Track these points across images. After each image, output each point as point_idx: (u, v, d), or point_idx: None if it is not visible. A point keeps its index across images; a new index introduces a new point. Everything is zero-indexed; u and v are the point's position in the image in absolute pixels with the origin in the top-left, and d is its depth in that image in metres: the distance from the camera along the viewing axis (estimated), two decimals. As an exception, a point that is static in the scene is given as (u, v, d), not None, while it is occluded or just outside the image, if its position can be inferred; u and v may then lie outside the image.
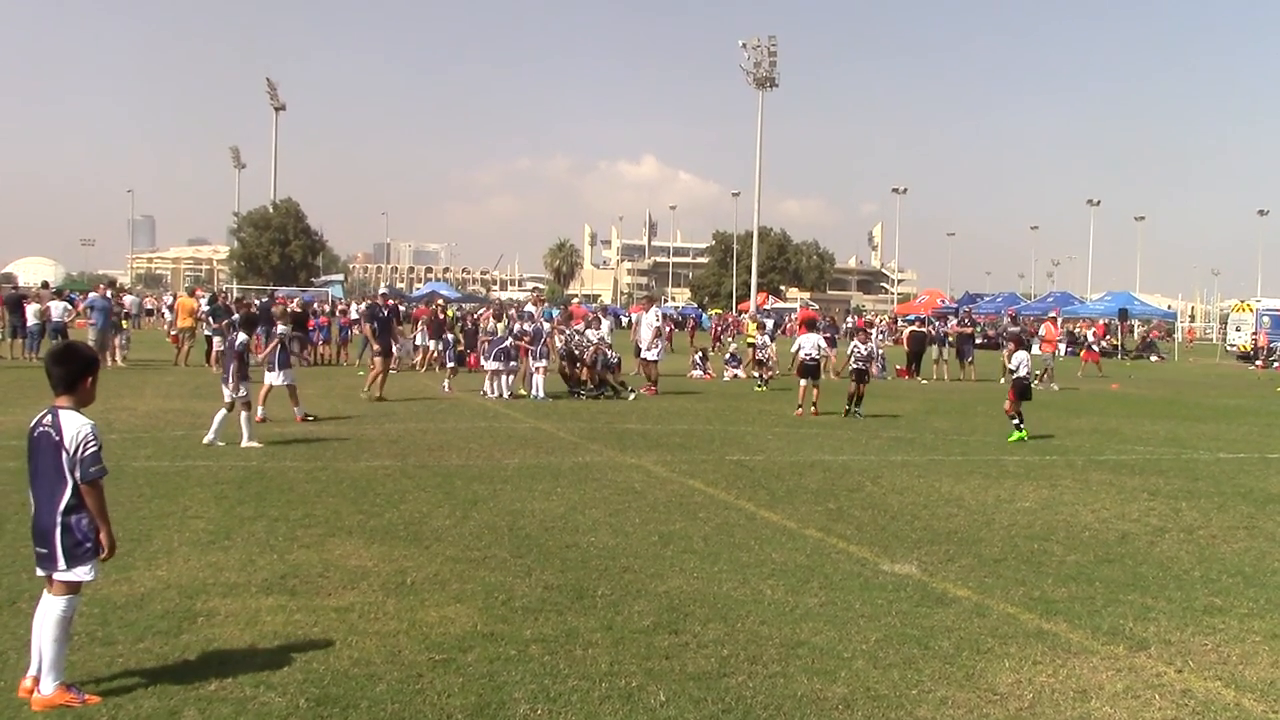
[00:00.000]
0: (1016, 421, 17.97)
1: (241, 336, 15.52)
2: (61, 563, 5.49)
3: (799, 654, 6.58)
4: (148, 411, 18.44)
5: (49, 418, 5.56)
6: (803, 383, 21.69)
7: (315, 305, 39.90)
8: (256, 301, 33.64)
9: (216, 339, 27.09)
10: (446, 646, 6.52)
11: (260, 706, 5.54)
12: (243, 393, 14.75)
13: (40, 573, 5.63)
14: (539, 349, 23.11)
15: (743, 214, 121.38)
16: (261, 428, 16.14)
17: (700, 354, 33.85)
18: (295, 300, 41.05)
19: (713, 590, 7.99)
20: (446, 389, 23.92)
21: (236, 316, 20.32)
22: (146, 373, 27.06)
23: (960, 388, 31.20)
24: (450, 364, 25.71)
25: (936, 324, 39.68)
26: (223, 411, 14.59)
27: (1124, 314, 57.48)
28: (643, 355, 24.90)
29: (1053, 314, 37.21)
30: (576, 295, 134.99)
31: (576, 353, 23.96)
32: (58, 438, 5.49)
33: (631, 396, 23.47)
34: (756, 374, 28.49)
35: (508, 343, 22.98)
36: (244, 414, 14.66)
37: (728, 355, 34.51)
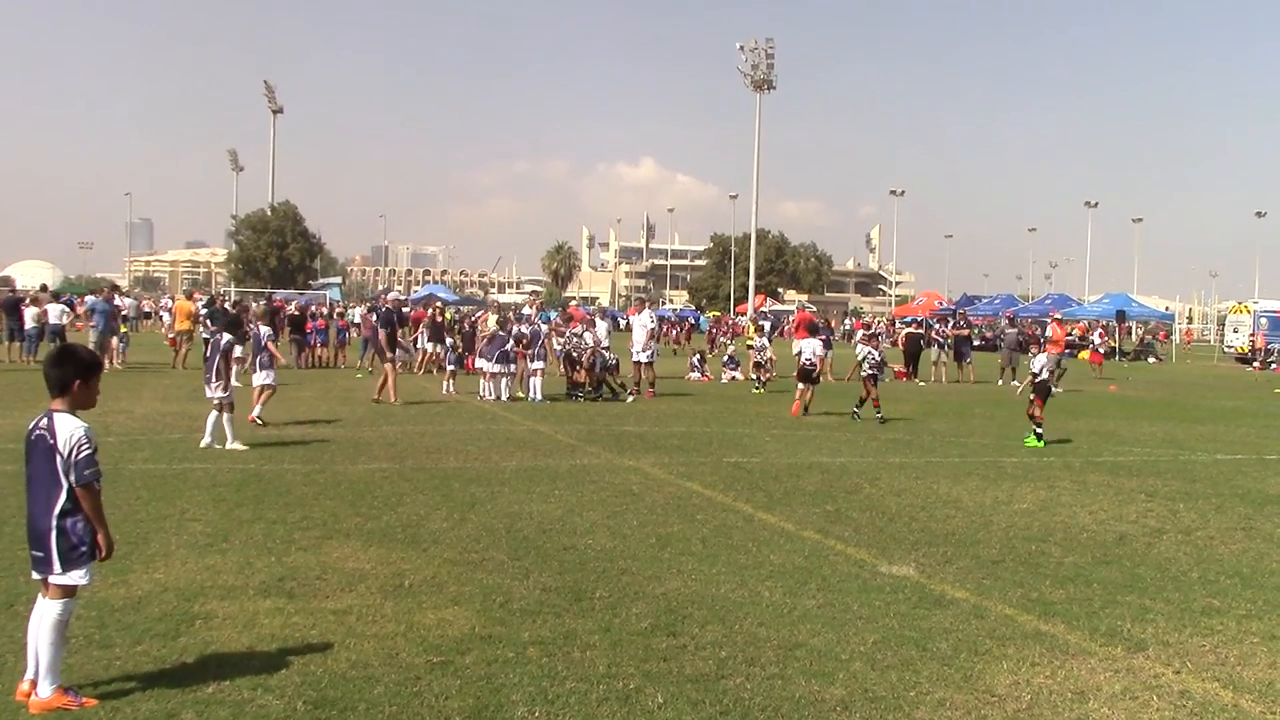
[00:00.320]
0: (1039, 431, 17.59)
1: (226, 337, 15.50)
2: (57, 566, 5.49)
3: (797, 656, 6.59)
4: (145, 414, 18.43)
5: (44, 421, 5.56)
6: (800, 386, 21.75)
7: (313, 308, 39.79)
8: (253, 305, 33.57)
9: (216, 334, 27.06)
10: (444, 649, 6.52)
11: (258, 709, 5.54)
12: (225, 393, 14.71)
13: (36, 576, 5.63)
14: (536, 351, 23.13)
15: (741, 216, 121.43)
16: (256, 432, 16.21)
17: (698, 356, 33.85)
18: (293, 303, 40.99)
19: (711, 592, 7.99)
20: (447, 391, 23.93)
21: (257, 329, 20.33)
22: (144, 375, 27.05)
23: (958, 389, 31.21)
24: (450, 366, 25.71)
25: (935, 326, 39.70)
26: (215, 414, 14.59)
27: (1122, 316, 57.53)
28: (635, 358, 24.88)
29: (1058, 315, 36.90)
30: (574, 298, 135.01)
31: (575, 355, 23.97)
32: (52, 441, 5.48)
33: (629, 399, 23.48)
34: (754, 376, 28.47)
35: (508, 345, 22.99)
36: (226, 415, 14.62)
37: (726, 357, 34.50)
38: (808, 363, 21.94)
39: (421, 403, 21.88)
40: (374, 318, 22.84)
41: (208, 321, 28.30)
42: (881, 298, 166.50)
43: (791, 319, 46.72)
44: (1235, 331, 64.81)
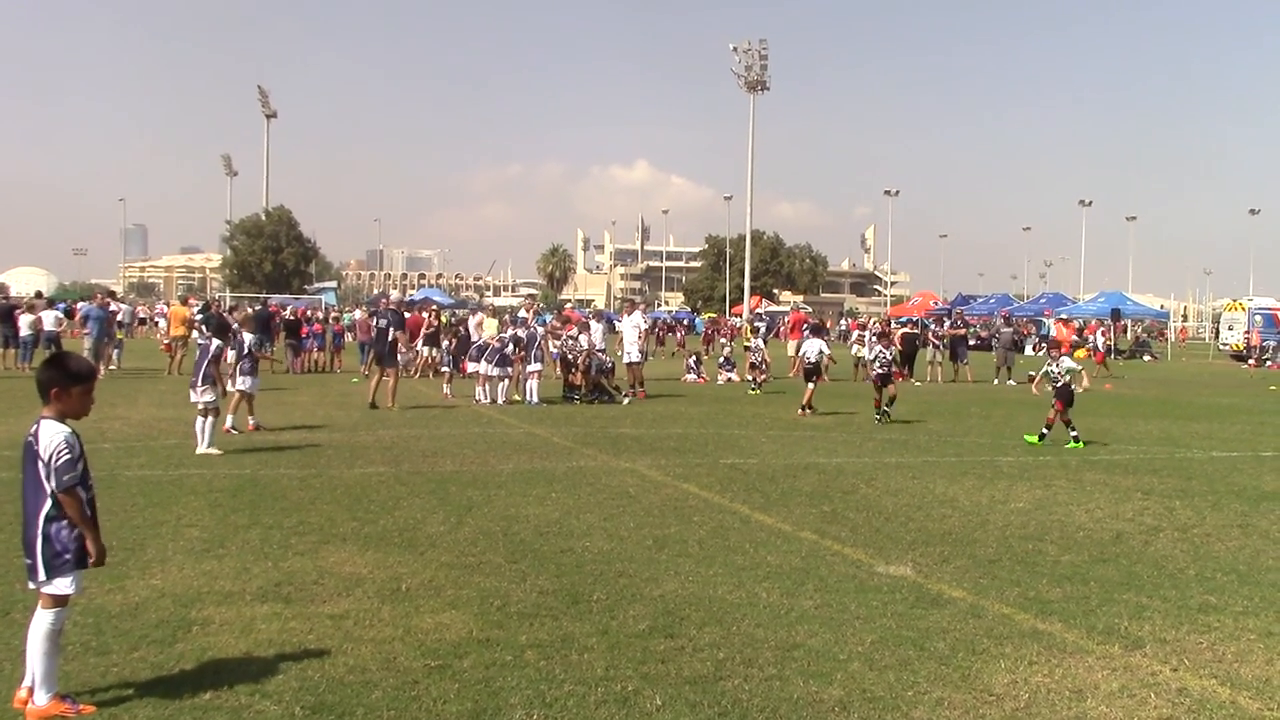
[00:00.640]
0: (1045, 432, 17.49)
1: (216, 343, 15.47)
2: (42, 573, 5.48)
3: (795, 656, 6.59)
4: (141, 420, 18.41)
5: (34, 428, 5.56)
6: (810, 385, 22.06)
7: (308, 312, 39.75)
8: (250, 310, 33.48)
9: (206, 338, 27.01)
10: (442, 653, 6.52)
11: (256, 715, 5.53)
12: (210, 398, 14.66)
13: (31, 585, 5.62)
14: (533, 353, 23.13)
15: (735, 217, 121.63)
16: (252, 438, 16.22)
17: (694, 358, 33.87)
18: (289, 308, 40.94)
19: (708, 594, 7.99)
20: (447, 395, 23.93)
21: (241, 335, 20.28)
22: (140, 381, 27.03)
23: (954, 389, 31.25)
24: (445, 369, 25.69)
25: (930, 325, 39.74)
26: (200, 419, 14.53)
27: (1117, 314, 57.59)
28: (625, 359, 24.90)
29: (1064, 315, 36.64)
30: (570, 300, 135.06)
31: (570, 358, 23.98)
32: (37, 448, 5.48)
33: (625, 401, 23.49)
34: (750, 377, 28.49)
35: (508, 348, 22.99)
36: (210, 420, 14.56)
37: (721, 359, 34.52)
38: (808, 361, 22.14)
39: (418, 407, 21.87)
40: (376, 321, 22.67)
41: (203, 327, 28.23)
42: (877, 298, 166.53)
43: (786, 320, 46.71)
44: (1230, 329, 64.93)
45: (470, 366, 24.07)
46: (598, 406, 22.86)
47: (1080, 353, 56.80)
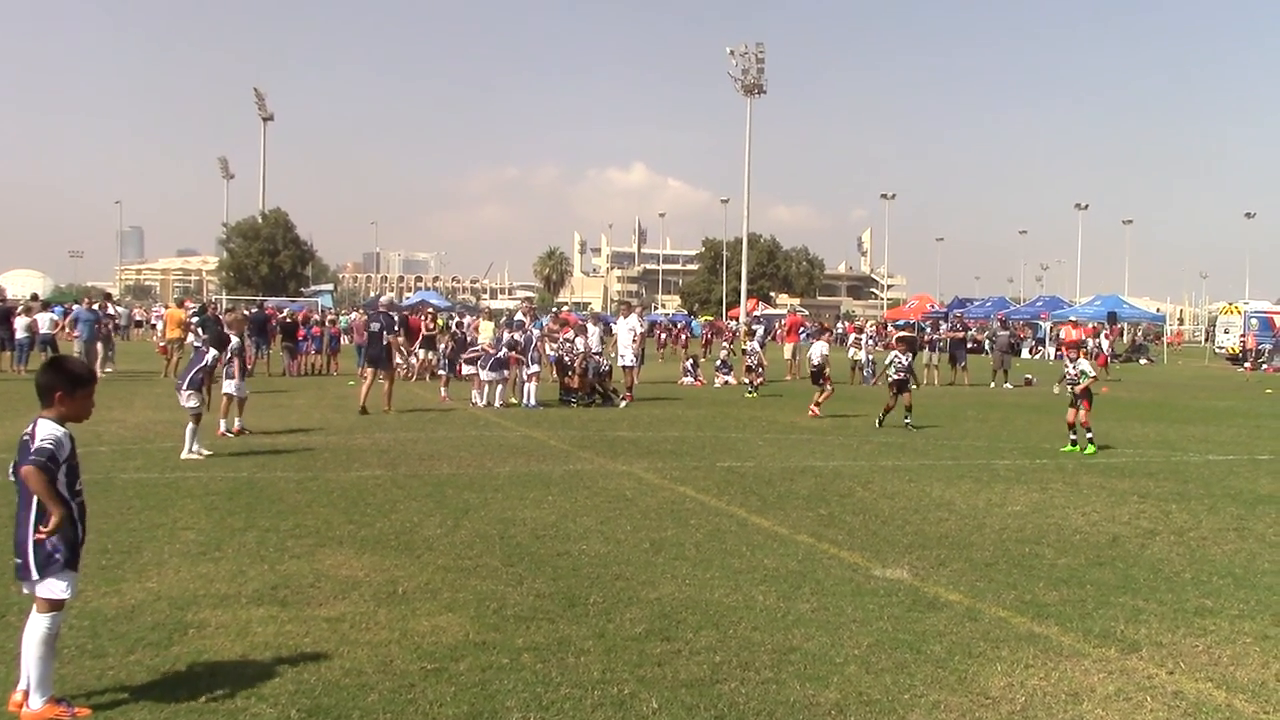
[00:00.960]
0: (1076, 436, 17.27)
1: (212, 353, 15.42)
2: (34, 572, 5.47)
3: (791, 660, 6.58)
4: (137, 423, 18.39)
5: (30, 428, 5.56)
6: (818, 388, 22.20)
7: (303, 314, 39.72)
8: (246, 312, 33.46)
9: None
10: (438, 656, 6.51)
11: (251, 718, 5.52)
12: (193, 404, 14.59)
13: (24, 590, 5.61)
14: (530, 355, 23.13)
15: (732, 220, 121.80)
16: (239, 440, 16.26)
17: (691, 361, 33.89)
18: (285, 310, 40.91)
19: (704, 597, 7.99)
20: (445, 397, 23.92)
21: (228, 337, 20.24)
22: (136, 384, 27.00)
23: (951, 392, 31.26)
24: (442, 372, 25.68)
25: (927, 329, 39.79)
26: (193, 423, 14.47)
27: (1113, 317, 57.67)
28: (620, 362, 24.89)
29: (1071, 318, 36.28)
30: (566, 303, 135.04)
31: (567, 361, 23.98)
32: (32, 446, 5.47)
33: (623, 404, 23.50)
34: (747, 380, 28.51)
35: (502, 352, 22.98)
36: (191, 425, 14.49)
37: (719, 362, 34.55)
38: (814, 365, 22.22)
39: (414, 410, 21.87)
40: (369, 325, 22.57)
41: (199, 330, 28.22)
42: (873, 301, 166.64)
43: (783, 323, 46.73)
44: (1226, 332, 65.09)
45: (466, 369, 24.04)
46: (594, 409, 22.86)
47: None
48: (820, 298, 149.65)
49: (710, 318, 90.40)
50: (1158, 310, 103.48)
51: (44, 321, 31.25)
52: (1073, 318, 36.96)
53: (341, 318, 53.57)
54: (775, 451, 16.54)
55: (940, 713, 5.84)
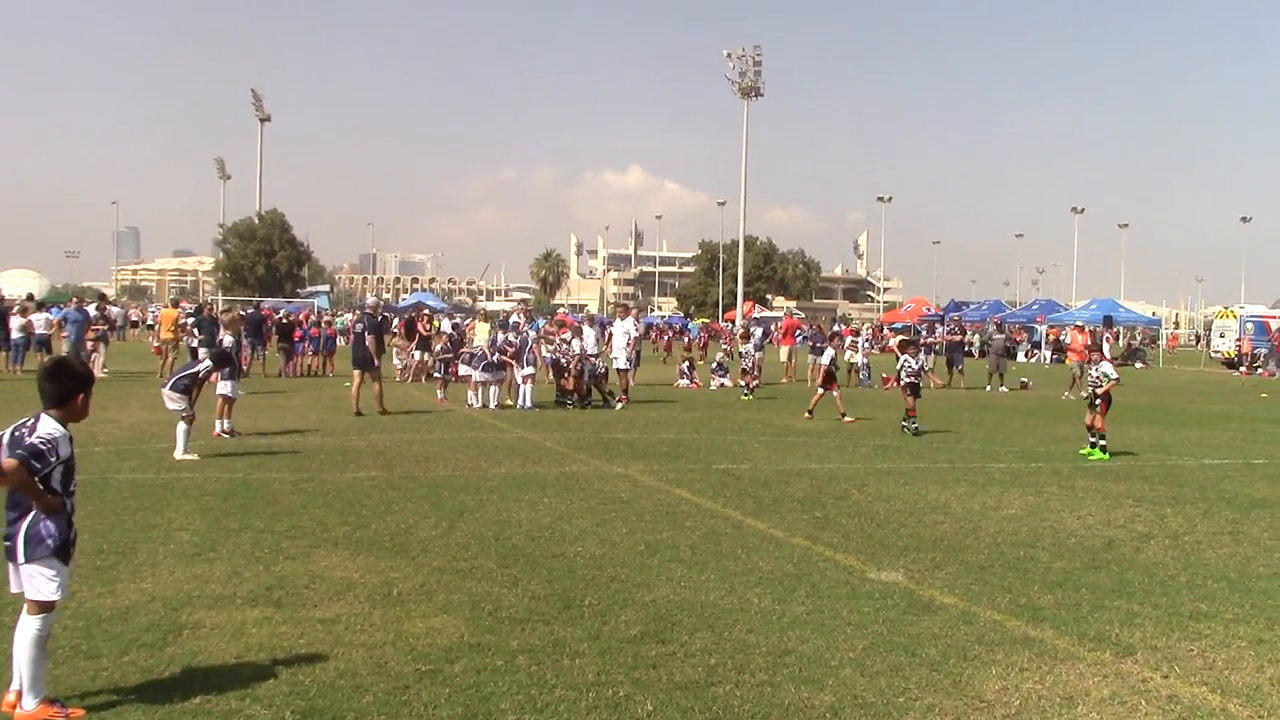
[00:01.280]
0: (1103, 442, 16.99)
1: (207, 364, 15.36)
2: (21, 554, 5.46)
3: (786, 662, 6.58)
4: (133, 423, 18.36)
5: (30, 421, 5.55)
6: (836, 392, 22.21)
7: (300, 316, 39.70)
8: (243, 313, 33.42)
9: (202, 351, 26.99)
10: (433, 657, 6.51)
11: (246, 719, 5.52)
12: (179, 407, 14.53)
13: (11, 585, 5.59)
14: (526, 357, 23.12)
15: (729, 223, 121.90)
16: (244, 441, 16.22)
17: (687, 363, 33.90)
18: (281, 311, 40.88)
19: (700, 599, 7.99)
20: (443, 399, 23.88)
21: (222, 337, 20.25)
22: (131, 384, 26.95)
23: (947, 395, 31.26)
24: (438, 374, 25.66)
25: (923, 332, 39.86)
26: (183, 425, 14.45)
27: (1109, 321, 57.72)
28: (615, 364, 24.87)
29: (1079, 322, 35.81)
30: (562, 305, 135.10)
31: (563, 363, 23.98)
32: (29, 436, 5.46)
33: (619, 406, 23.50)
34: (743, 383, 28.52)
35: (495, 356, 22.98)
36: (184, 426, 14.45)
37: (715, 364, 34.56)
38: (825, 369, 22.36)
39: (410, 411, 21.85)
40: (354, 326, 22.53)
41: (195, 330, 28.19)
42: (870, 304, 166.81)
43: (779, 326, 46.75)
44: (1221, 336, 65.12)
45: (463, 370, 24.02)
46: (590, 411, 22.86)
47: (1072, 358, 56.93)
48: (816, 300, 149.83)
49: (706, 320, 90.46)
50: (1153, 314, 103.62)
51: (39, 322, 31.25)
52: (1079, 321, 36.57)
53: (338, 319, 53.57)
54: (771, 454, 16.54)
55: (935, 716, 5.84)
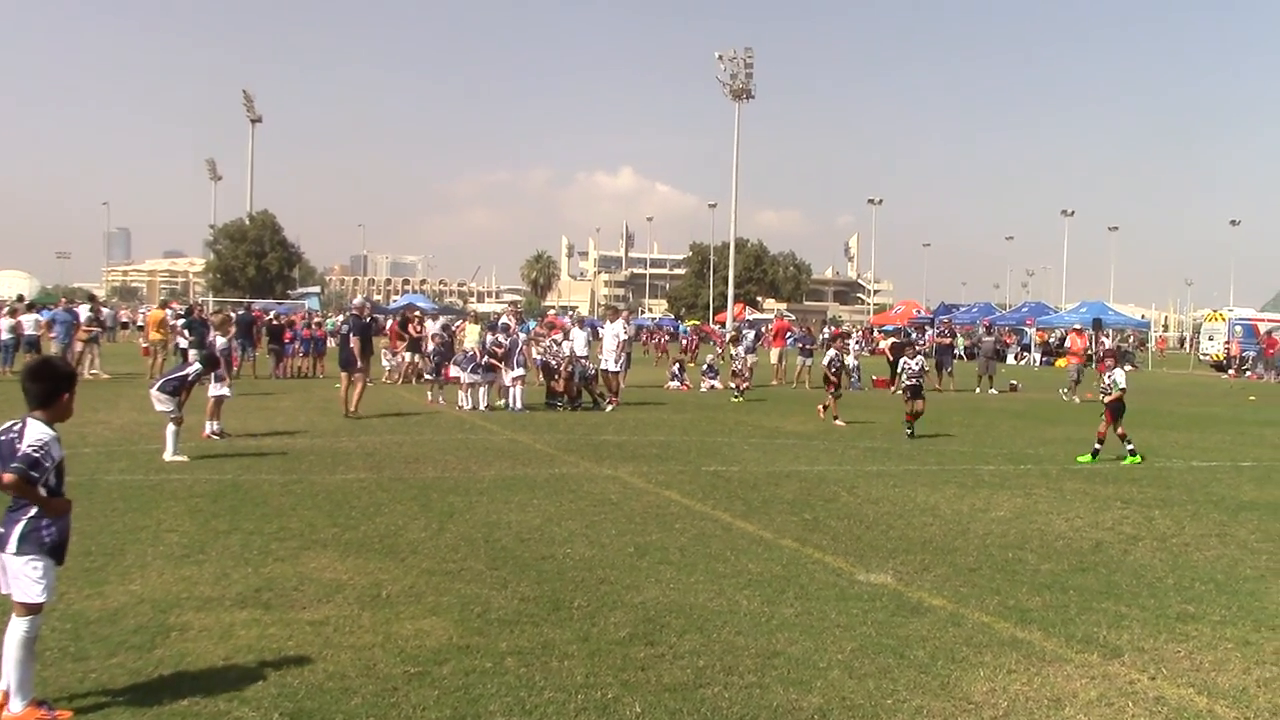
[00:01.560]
0: (1098, 448, 16.85)
1: (196, 368, 15.30)
2: (12, 544, 5.44)
3: (775, 664, 6.60)
4: (123, 425, 18.33)
5: (18, 425, 5.54)
6: (831, 392, 22.21)
7: (289, 317, 39.64)
8: (233, 314, 33.36)
9: (192, 352, 26.93)
10: (422, 659, 6.51)
11: (234, 721, 5.52)
12: (167, 409, 14.48)
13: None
14: (516, 359, 23.10)
15: (720, 225, 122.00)
16: (234, 443, 16.20)
17: (677, 365, 33.91)
18: (271, 313, 40.80)
19: (689, 601, 7.99)
20: (434, 400, 23.84)
21: (213, 338, 20.17)
22: (121, 386, 26.88)
23: (936, 398, 31.24)
24: (429, 376, 25.62)
25: (913, 335, 39.91)
26: (172, 426, 14.41)
27: (1098, 324, 57.85)
28: (603, 366, 24.83)
29: (1076, 325, 35.40)
30: (553, 307, 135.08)
31: (553, 364, 23.96)
32: (19, 442, 5.46)
33: (609, 408, 23.49)
34: (733, 385, 28.54)
35: (484, 358, 22.96)
36: (173, 428, 14.40)
37: (705, 366, 34.58)
38: (833, 372, 22.23)
39: (400, 414, 21.83)
40: (343, 328, 22.43)
41: (185, 332, 28.12)
42: (860, 306, 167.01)
43: (769, 328, 46.78)
44: (1210, 339, 65.35)
45: (453, 372, 24.00)
46: (580, 413, 22.85)
47: (1061, 362, 57.08)
48: (807, 303, 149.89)
49: (697, 322, 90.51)
50: (1143, 317, 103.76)
51: (28, 323, 31.16)
52: (1077, 324, 36.32)
53: (328, 320, 53.47)
54: (760, 456, 16.56)
55: (923, 718, 5.86)
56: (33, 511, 5.47)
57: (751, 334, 37.15)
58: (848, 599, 8.18)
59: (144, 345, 32.75)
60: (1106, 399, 16.98)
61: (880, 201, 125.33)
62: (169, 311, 35.02)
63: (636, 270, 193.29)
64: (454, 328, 33.45)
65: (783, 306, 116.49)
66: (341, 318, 42.59)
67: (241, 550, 9.26)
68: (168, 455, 14.24)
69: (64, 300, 31.37)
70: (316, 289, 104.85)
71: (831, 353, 23.79)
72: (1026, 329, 65.20)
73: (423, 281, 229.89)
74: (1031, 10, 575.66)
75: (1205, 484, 14.77)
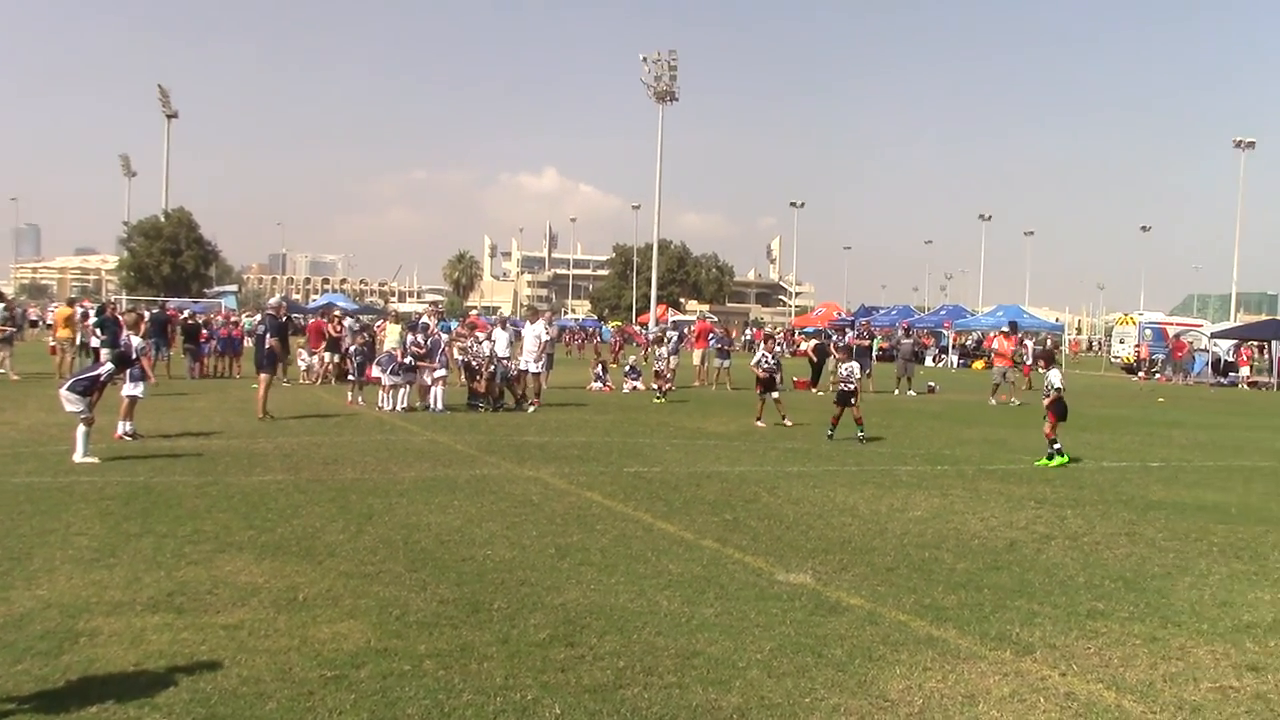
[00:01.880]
0: (1057, 446, 16.79)
1: (109, 368, 14.96)
2: None
3: (694, 664, 6.62)
4: (30, 425, 17.89)
5: None
6: (762, 396, 21.94)
7: (204, 317, 38.96)
8: (145, 312, 32.69)
9: (104, 352, 26.30)
10: (339, 663, 6.43)
11: (144, 728, 5.41)
12: (75, 409, 14.18)
13: None
14: (438, 359, 22.94)
15: (643, 226, 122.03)
16: (137, 444, 15.91)
17: (600, 366, 33.90)
18: (186, 311, 40.04)
19: (609, 602, 7.99)
20: (360, 401, 23.55)
21: (127, 338, 19.75)
22: (29, 385, 26.23)
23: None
24: (352, 377, 25.33)
25: (834, 337, 40.25)
26: (82, 427, 14.09)
27: (1014, 326, 58.86)
28: (524, 367, 24.71)
29: (1004, 329, 35.31)
30: (475, 307, 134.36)
31: (475, 365, 23.81)
32: None
33: (531, 409, 23.41)
34: (655, 386, 28.60)
35: (408, 358, 22.76)
36: (83, 429, 14.10)
37: (627, 367, 34.62)
38: (765, 371, 21.91)
39: (319, 415, 21.56)
40: (258, 328, 22.07)
41: (98, 330, 27.48)
42: (782, 308, 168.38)
43: (692, 329, 46.93)
44: (1121, 342, 66.90)
45: (374, 372, 23.76)
46: (502, 414, 22.74)
47: (978, 364, 58.01)
48: (730, 304, 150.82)
49: (620, 323, 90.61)
50: (1057, 320, 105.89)
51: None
52: (1003, 328, 36.34)
53: (245, 320, 52.62)
54: (682, 457, 16.61)
55: (840, 716, 5.91)
56: None
57: (675, 335, 37.24)
58: (767, 599, 8.23)
59: (51, 344, 31.96)
60: (1046, 400, 17.15)
61: (802, 205, 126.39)
62: (79, 309, 34.17)
63: (560, 271, 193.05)
64: (375, 327, 33.10)
65: (705, 308, 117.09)
66: (259, 317, 41.98)
67: (154, 554, 9.08)
68: (77, 457, 13.91)
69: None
70: (234, 288, 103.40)
71: (761, 352, 23.64)
72: (944, 331, 66.17)
73: (343, 281, 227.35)
74: (951, 19, 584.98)
75: (1115, 484, 15.09)
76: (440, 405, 22.51)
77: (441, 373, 22.96)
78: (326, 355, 30.56)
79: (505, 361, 24.20)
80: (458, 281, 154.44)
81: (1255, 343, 52.51)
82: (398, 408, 22.39)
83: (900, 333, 43.10)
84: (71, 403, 14.18)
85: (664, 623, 7.49)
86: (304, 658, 6.51)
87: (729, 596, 8.26)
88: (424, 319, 27.02)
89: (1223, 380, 49.03)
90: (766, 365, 21.97)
